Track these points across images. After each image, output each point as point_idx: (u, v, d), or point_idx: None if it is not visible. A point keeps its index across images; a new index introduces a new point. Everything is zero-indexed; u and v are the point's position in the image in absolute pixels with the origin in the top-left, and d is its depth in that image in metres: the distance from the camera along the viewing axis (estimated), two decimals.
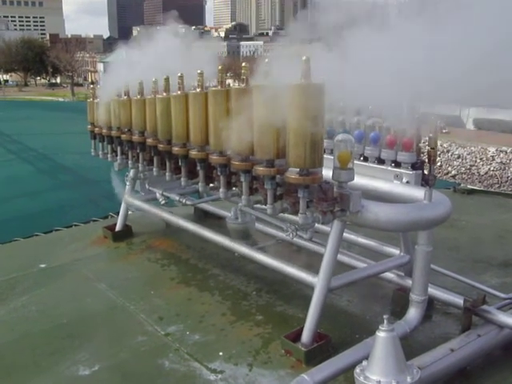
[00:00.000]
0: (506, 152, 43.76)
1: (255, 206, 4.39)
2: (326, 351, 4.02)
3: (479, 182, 42.86)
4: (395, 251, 4.82)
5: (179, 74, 4.74)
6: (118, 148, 6.01)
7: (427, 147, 4.23)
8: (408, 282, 4.49)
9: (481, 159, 44.97)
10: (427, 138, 4.37)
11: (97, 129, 6.30)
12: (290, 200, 3.91)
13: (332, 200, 3.73)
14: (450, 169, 45.62)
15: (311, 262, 4.91)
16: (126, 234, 6.77)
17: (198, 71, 4.55)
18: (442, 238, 6.18)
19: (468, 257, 6.13)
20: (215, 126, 4.24)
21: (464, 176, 44.12)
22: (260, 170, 3.86)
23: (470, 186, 10.08)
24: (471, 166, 44.95)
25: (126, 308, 5.00)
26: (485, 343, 3.91)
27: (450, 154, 46.81)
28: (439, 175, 43.83)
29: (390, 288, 4.93)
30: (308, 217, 3.76)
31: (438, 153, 45.66)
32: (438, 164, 45.40)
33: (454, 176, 44.30)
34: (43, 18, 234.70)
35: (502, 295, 4.53)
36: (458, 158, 46.17)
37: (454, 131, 46.59)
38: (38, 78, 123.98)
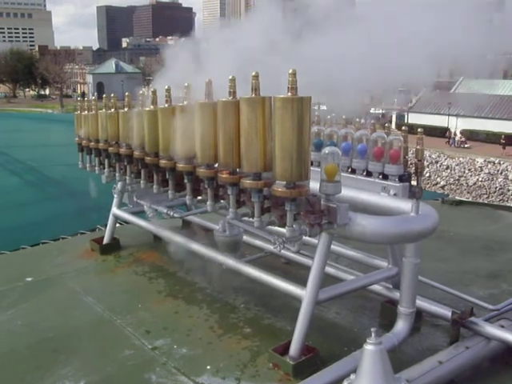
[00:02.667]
0: (494, 163, 44.08)
1: (243, 218, 4.38)
2: (314, 364, 3.99)
3: (468, 192, 43.15)
4: (383, 263, 4.82)
5: (166, 87, 4.74)
6: (106, 160, 5.98)
7: (414, 159, 4.26)
8: (396, 295, 4.49)
9: (469, 170, 45.28)
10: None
11: (84, 141, 6.27)
12: (278, 213, 3.91)
13: (319, 213, 3.72)
14: (438, 179, 45.89)
15: (299, 275, 4.90)
16: (114, 246, 6.73)
17: (185, 84, 4.55)
18: (430, 249, 6.19)
19: (456, 268, 6.14)
20: (202, 139, 4.23)
21: (453, 187, 44.40)
22: (247, 182, 3.86)
23: (457, 198, 10.13)
24: (460, 176, 45.25)
25: (113, 322, 4.96)
26: (473, 355, 3.91)
27: (438, 164, 47.11)
28: (428, 186, 44.11)
29: (379, 300, 4.92)
30: (295, 229, 3.76)
31: (427, 164, 45.97)
32: (427, 175, 45.67)
33: (442, 187, 44.56)
34: (32, 29, 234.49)
35: (490, 307, 4.54)
36: (447, 168, 46.47)
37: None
38: (27, 89, 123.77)
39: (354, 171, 4.63)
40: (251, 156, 3.80)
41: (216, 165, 4.24)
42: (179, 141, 4.53)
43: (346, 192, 4.05)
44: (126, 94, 5.40)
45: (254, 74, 3.73)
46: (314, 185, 3.80)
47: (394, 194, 4.30)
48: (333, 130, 4.90)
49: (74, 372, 4.19)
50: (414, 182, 4.40)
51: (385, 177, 4.41)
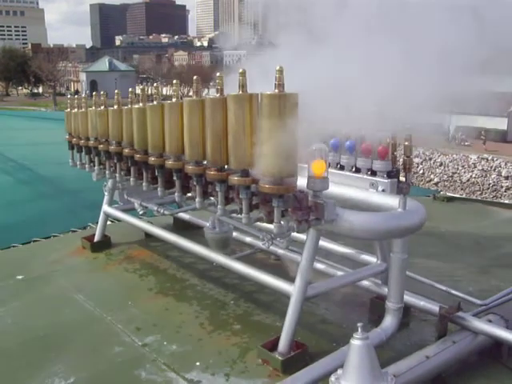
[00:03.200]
0: (488, 159, 44.22)
1: (233, 215, 4.40)
2: (302, 360, 4.01)
3: (461, 189, 43.26)
4: (372, 259, 4.84)
5: (155, 84, 4.75)
6: (96, 158, 5.98)
7: (403, 155, 4.28)
8: (385, 290, 4.51)
9: (462, 166, 45.38)
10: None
11: (74, 139, 6.27)
12: (266, 209, 3.92)
13: (307, 209, 3.74)
14: (432, 176, 45.97)
15: (288, 271, 4.92)
16: (105, 244, 6.73)
17: (174, 81, 4.57)
18: (421, 245, 6.23)
19: (446, 264, 6.17)
20: (191, 136, 4.24)
21: (446, 183, 44.49)
22: (235, 179, 3.87)
23: (449, 194, 10.16)
24: (453, 173, 45.35)
25: (104, 319, 4.97)
26: (460, 350, 3.94)
27: (432, 161, 47.20)
28: (422, 183, 44.21)
29: (368, 296, 4.95)
30: (283, 226, 3.78)
31: (421, 160, 46.08)
32: (421, 172, 45.78)
33: (436, 183, 44.65)
34: (25, 27, 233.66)
35: (478, 302, 4.56)
36: (441, 165, 46.56)
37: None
38: (20, 87, 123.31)
39: (342, 168, 4.66)
40: (239, 153, 3.82)
41: (205, 162, 4.26)
42: (168, 138, 4.55)
43: (334, 188, 4.08)
44: (116, 91, 5.40)
45: (241, 71, 3.74)
46: (302, 181, 3.81)
47: (383, 190, 4.32)
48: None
49: (65, 369, 4.20)
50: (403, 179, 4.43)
51: (373, 173, 4.44)
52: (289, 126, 3.56)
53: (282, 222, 3.79)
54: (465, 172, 44.94)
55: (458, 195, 11.46)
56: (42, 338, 4.71)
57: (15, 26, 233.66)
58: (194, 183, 4.39)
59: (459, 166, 45.69)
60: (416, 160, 46.83)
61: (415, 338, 4.45)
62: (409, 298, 4.49)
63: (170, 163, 4.58)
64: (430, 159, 47.50)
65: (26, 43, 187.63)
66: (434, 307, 4.36)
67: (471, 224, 8.08)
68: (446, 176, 45.54)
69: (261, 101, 3.62)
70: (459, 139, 50.64)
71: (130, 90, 5.22)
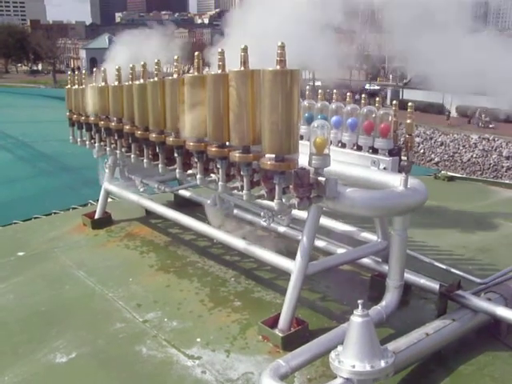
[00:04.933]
0: (489, 139, 44.13)
1: (234, 192, 4.39)
2: (303, 337, 4.03)
3: (462, 169, 43.26)
4: (373, 237, 4.85)
5: (156, 61, 4.71)
6: (97, 135, 5.96)
7: (404, 134, 4.27)
8: (385, 268, 4.52)
9: (463, 146, 45.33)
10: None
11: (75, 116, 6.24)
12: (267, 186, 3.90)
13: (308, 186, 3.72)
14: (433, 156, 45.95)
15: (289, 249, 4.93)
16: (106, 221, 6.73)
17: (175, 57, 4.53)
18: (421, 224, 6.23)
19: (446, 243, 6.18)
20: (192, 113, 4.21)
21: (447, 163, 44.48)
22: (236, 156, 3.85)
23: (450, 173, 10.13)
24: (454, 153, 45.31)
25: (104, 295, 4.99)
26: (459, 327, 3.95)
27: (433, 141, 47.15)
28: (422, 162, 44.20)
29: (368, 274, 4.96)
30: (284, 203, 3.77)
31: (422, 140, 46.03)
32: (421, 151, 45.74)
33: (436, 163, 44.64)
34: (23, 3, 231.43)
35: (478, 280, 4.58)
36: (441, 145, 46.51)
37: (503, 127, 45.11)
38: (19, 64, 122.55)
39: (344, 145, 4.64)
40: (240, 129, 3.79)
41: (206, 138, 4.24)
42: (169, 115, 4.53)
43: (336, 166, 4.06)
44: (116, 67, 5.35)
45: (242, 46, 3.71)
46: (304, 159, 3.80)
47: (384, 168, 4.31)
48: (323, 103, 4.89)
49: (66, 344, 4.22)
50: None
51: (375, 151, 4.42)
52: (291, 102, 3.54)
53: (283, 200, 3.78)
54: (466, 152, 44.90)
55: (458, 175, 11.43)
56: (43, 313, 4.74)
57: (13, 2, 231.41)
58: (195, 160, 4.38)
59: (460, 145, 45.63)
60: (417, 139, 46.78)
61: (415, 315, 4.46)
62: (409, 276, 4.50)
63: (171, 140, 4.56)
64: (431, 139, 47.45)
65: (25, 19, 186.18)
66: (434, 285, 4.38)
67: (472, 203, 8.07)
68: (446, 156, 45.52)
69: (263, 77, 3.59)
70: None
71: (131, 66, 5.18)
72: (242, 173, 3.92)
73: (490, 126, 48.76)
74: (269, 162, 3.66)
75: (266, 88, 3.56)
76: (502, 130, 45.51)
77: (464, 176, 12.51)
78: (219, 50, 3.92)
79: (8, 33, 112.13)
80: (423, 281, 4.53)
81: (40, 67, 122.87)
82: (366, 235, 4.93)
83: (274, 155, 3.66)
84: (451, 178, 9.67)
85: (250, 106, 3.72)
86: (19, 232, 7.00)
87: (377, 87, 69.26)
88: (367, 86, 66.78)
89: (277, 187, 3.74)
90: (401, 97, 56.72)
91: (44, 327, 4.51)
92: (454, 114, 55.64)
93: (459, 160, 44.61)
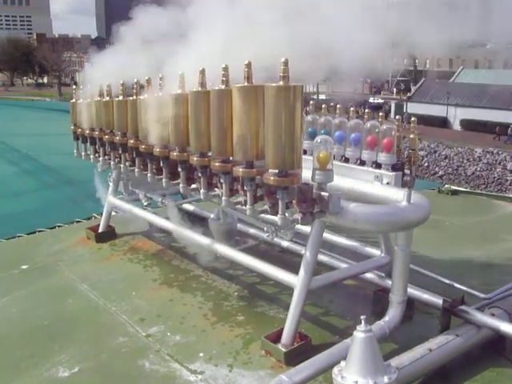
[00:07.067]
0: (493, 153, 44.04)
1: (237, 207, 4.39)
2: (306, 352, 4.02)
3: (466, 182, 43.15)
4: (376, 252, 4.84)
5: (160, 76, 4.75)
6: (101, 149, 5.99)
7: (408, 149, 4.28)
8: (389, 283, 4.51)
9: (468, 160, 45.23)
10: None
11: (79, 130, 6.28)
12: (270, 201, 3.92)
13: (311, 201, 3.73)
14: (437, 169, 45.85)
15: (293, 263, 4.92)
16: (109, 235, 6.75)
17: (179, 73, 4.56)
18: (425, 238, 6.20)
19: (450, 257, 6.16)
20: (196, 128, 4.24)
21: (451, 176, 44.37)
22: (239, 171, 3.87)
23: (454, 187, 10.13)
24: (458, 166, 45.20)
25: (108, 309, 4.99)
26: (463, 343, 3.94)
27: (437, 154, 47.06)
28: (426, 176, 44.11)
29: (371, 289, 4.95)
30: (287, 218, 3.77)
31: (426, 153, 45.97)
32: (426, 164, 45.66)
33: (441, 176, 44.53)
34: (30, 17, 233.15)
35: (482, 295, 4.57)
36: (445, 158, 46.42)
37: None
38: (25, 77, 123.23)
39: (347, 160, 4.65)
40: (244, 144, 3.81)
41: (210, 153, 4.26)
42: (173, 129, 4.55)
43: (339, 180, 4.07)
44: (121, 82, 5.39)
45: (246, 62, 3.73)
46: (308, 173, 3.81)
47: (387, 183, 4.32)
48: (327, 118, 4.91)
49: (69, 359, 4.23)
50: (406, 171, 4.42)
51: (378, 166, 4.43)
52: (294, 117, 3.56)
53: (287, 214, 3.79)
54: (470, 165, 44.80)
55: (462, 188, 11.42)
56: (46, 327, 4.74)
57: (20, 16, 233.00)
58: (199, 174, 4.39)
59: (464, 159, 45.54)
60: (421, 153, 46.70)
61: (419, 331, 4.44)
62: (412, 291, 4.49)
63: (175, 154, 4.58)
64: (435, 152, 47.38)
65: (31, 33, 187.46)
66: (438, 300, 4.37)
67: (476, 217, 8.06)
68: (450, 169, 45.42)
69: (266, 92, 3.61)
70: None
71: (135, 80, 5.21)
72: (245, 187, 3.93)
73: None
74: (272, 177, 3.67)
75: (270, 103, 3.58)
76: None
77: (468, 190, 12.49)
78: (223, 66, 3.94)
79: (14, 46, 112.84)
80: (426, 296, 4.51)
81: (45, 80, 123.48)
82: (370, 250, 4.93)
83: (277, 170, 3.67)
84: (455, 192, 9.66)
85: (254, 122, 3.75)
86: (23, 245, 7.02)
87: (381, 101, 69.44)
88: (371, 100, 66.95)
89: (280, 202, 3.75)
90: (405, 110, 56.78)
91: (47, 341, 4.52)
92: (457, 127, 55.64)
93: (463, 173, 44.51)
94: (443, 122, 56.45)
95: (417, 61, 76.63)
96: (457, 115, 56.03)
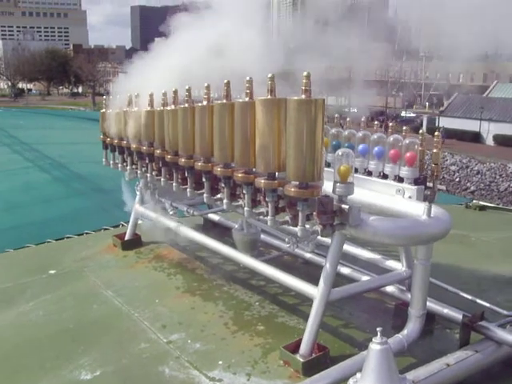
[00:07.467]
0: None
1: (261, 217, 4.45)
2: (323, 363, 4.04)
3: (498, 198, 42.52)
4: (398, 265, 4.84)
5: (187, 87, 4.85)
6: (129, 158, 6.11)
7: (431, 163, 4.28)
8: (409, 297, 4.51)
9: (500, 175, 44.61)
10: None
11: (108, 139, 6.42)
12: (291, 212, 3.97)
13: (331, 213, 3.77)
14: (468, 184, 45.32)
15: (315, 275, 4.94)
16: (135, 242, 6.86)
17: (205, 84, 4.65)
18: (450, 253, 6.19)
19: (475, 273, 6.11)
20: (220, 139, 4.33)
21: (483, 192, 43.79)
22: (261, 182, 3.93)
23: (482, 203, 10.04)
24: (491, 182, 44.60)
25: (131, 315, 5.08)
26: (482, 359, 3.91)
27: (469, 169, 46.54)
28: (458, 191, 43.60)
29: (393, 302, 4.95)
30: (307, 229, 3.82)
31: (457, 168, 45.48)
32: (457, 180, 45.16)
33: (472, 192, 43.99)
34: (67, 28, 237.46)
35: (505, 312, 4.53)
36: (478, 173, 45.85)
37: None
38: (61, 87, 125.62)
39: (370, 173, 4.68)
40: (266, 156, 3.88)
41: (233, 164, 4.34)
42: (198, 140, 4.64)
43: (361, 193, 4.11)
44: (149, 93, 5.50)
45: (269, 75, 3.81)
46: (329, 186, 3.86)
47: (409, 197, 4.33)
48: (351, 132, 4.95)
49: (91, 362, 4.32)
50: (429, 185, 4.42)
51: (401, 179, 4.45)
52: (315, 130, 3.62)
53: (307, 226, 3.83)
54: (502, 181, 44.17)
55: (490, 204, 11.29)
56: (71, 331, 4.85)
57: (58, 28, 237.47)
58: (223, 185, 4.47)
59: (497, 174, 44.93)
60: (452, 168, 46.25)
61: (438, 345, 4.43)
62: (432, 305, 4.48)
63: (199, 165, 4.67)
64: (467, 167, 46.84)
65: (68, 44, 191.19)
66: (458, 315, 4.34)
67: (502, 233, 7.97)
68: (482, 185, 44.84)
69: (288, 105, 3.68)
70: None
71: (163, 91, 5.32)
72: (267, 199, 4.00)
73: None
74: (292, 189, 3.73)
75: (291, 116, 3.65)
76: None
77: (495, 205, 12.34)
78: (247, 79, 4.03)
79: (52, 57, 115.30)
80: (447, 310, 4.50)
81: (80, 90, 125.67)
82: (391, 263, 4.93)
83: (297, 182, 3.73)
84: (483, 208, 9.57)
85: (276, 134, 3.81)
86: (52, 250, 7.18)
87: (413, 115, 68.99)
88: (403, 114, 66.56)
89: (300, 214, 3.80)
90: (437, 124, 56.31)
91: (71, 344, 4.62)
92: (490, 142, 54.95)
93: (496, 189, 43.90)
94: (476, 137, 55.83)
95: (450, 75, 76.12)
96: (490, 130, 55.38)
